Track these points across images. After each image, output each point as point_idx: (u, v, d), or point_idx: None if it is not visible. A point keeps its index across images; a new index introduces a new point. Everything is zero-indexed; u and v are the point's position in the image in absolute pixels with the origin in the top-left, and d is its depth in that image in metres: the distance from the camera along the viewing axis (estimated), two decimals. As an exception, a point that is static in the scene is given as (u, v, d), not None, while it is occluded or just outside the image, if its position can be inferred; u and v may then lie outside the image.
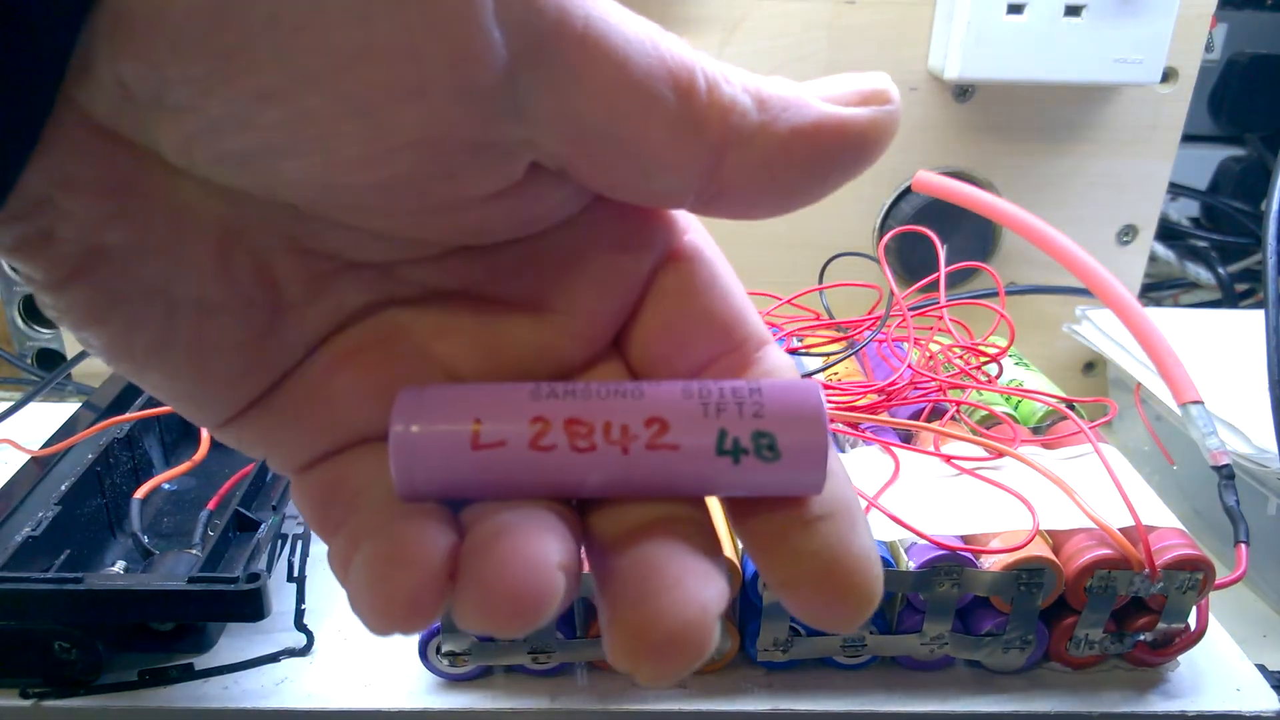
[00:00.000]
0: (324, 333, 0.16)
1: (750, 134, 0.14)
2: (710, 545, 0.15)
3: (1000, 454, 0.36)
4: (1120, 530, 0.31)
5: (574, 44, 0.13)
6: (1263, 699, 0.33)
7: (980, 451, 0.36)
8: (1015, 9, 0.44)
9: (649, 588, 0.14)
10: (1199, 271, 0.61)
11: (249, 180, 0.14)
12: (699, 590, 0.14)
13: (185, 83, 0.12)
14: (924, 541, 0.31)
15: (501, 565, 0.13)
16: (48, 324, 0.52)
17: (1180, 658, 0.34)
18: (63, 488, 0.34)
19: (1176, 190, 0.63)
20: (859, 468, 0.35)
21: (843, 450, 0.37)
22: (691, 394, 0.15)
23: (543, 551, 0.14)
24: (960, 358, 0.40)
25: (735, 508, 0.16)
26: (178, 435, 0.42)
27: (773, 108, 0.15)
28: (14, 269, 0.15)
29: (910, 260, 0.50)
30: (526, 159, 0.14)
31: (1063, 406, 0.38)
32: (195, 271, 0.15)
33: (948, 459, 0.35)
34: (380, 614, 0.13)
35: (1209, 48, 0.58)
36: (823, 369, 0.40)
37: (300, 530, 0.35)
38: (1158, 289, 0.62)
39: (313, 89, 0.13)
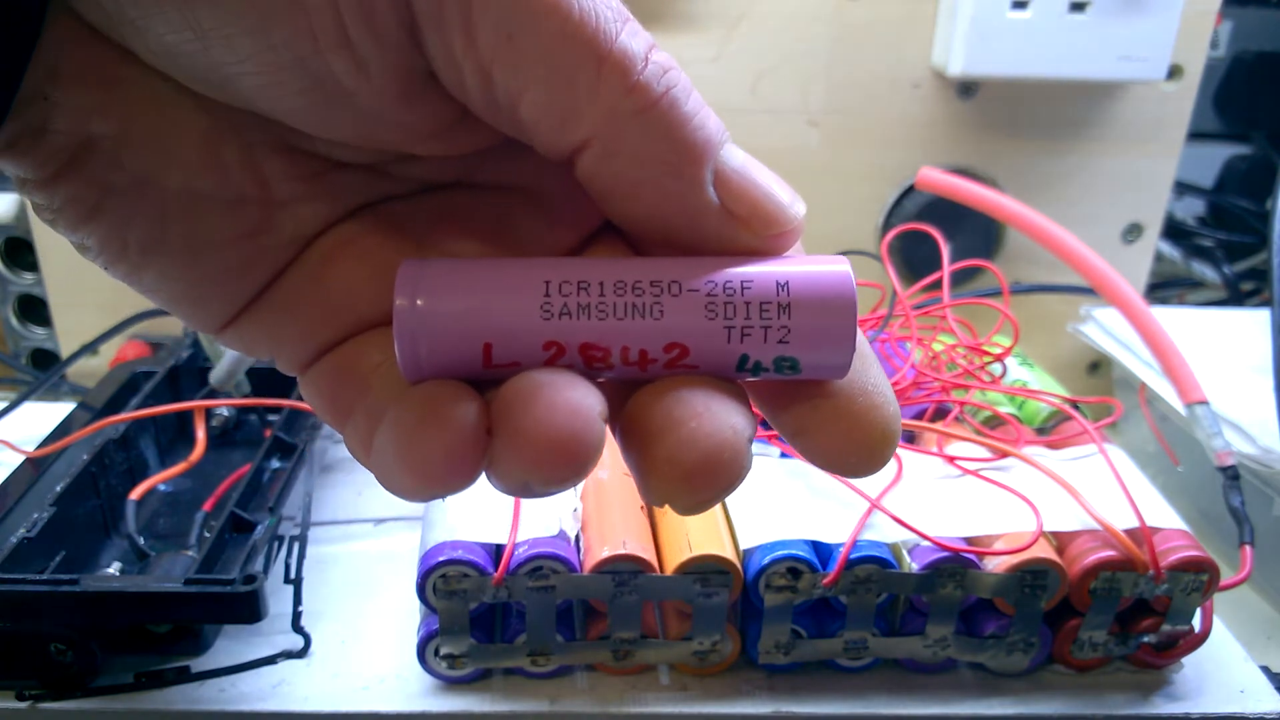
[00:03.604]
0: (320, 227, 0.16)
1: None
2: (733, 388, 0.15)
3: (1004, 455, 0.35)
4: (1125, 531, 0.31)
5: None
6: (1267, 700, 0.32)
7: (984, 452, 0.36)
8: (1019, 5, 0.44)
9: (676, 416, 0.14)
10: (1205, 270, 0.60)
11: (218, 95, 0.14)
12: (727, 415, 0.14)
13: (135, 5, 0.13)
14: (927, 543, 0.31)
15: (546, 410, 0.13)
16: (43, 323, 0.52)
17: (1184, 660, 0.33)
18: (58, 489, 0.34)
19: (1182, 188, 0.62)
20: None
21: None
22: (716, 309, 0.14)
23: (586, 398, 0.14)
24: (964, 357, 0.40)
25: None
26: (173, 436, 0.42)
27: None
28: (7, 173, 0.15)
29: (913, 259, 0.50)
30: (455, 103, 0.15)
31: (1067, 407, 0.38)
32: (183, 163, 0.15)
33: (951, 460, 0.35)
34: (418, 474, 0.13)
35: (1214, 45, 0.57)
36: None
37: (297, 532, 0.35)
38: (1163, 288, 0.62)
39: (247, 36, 0.13)
